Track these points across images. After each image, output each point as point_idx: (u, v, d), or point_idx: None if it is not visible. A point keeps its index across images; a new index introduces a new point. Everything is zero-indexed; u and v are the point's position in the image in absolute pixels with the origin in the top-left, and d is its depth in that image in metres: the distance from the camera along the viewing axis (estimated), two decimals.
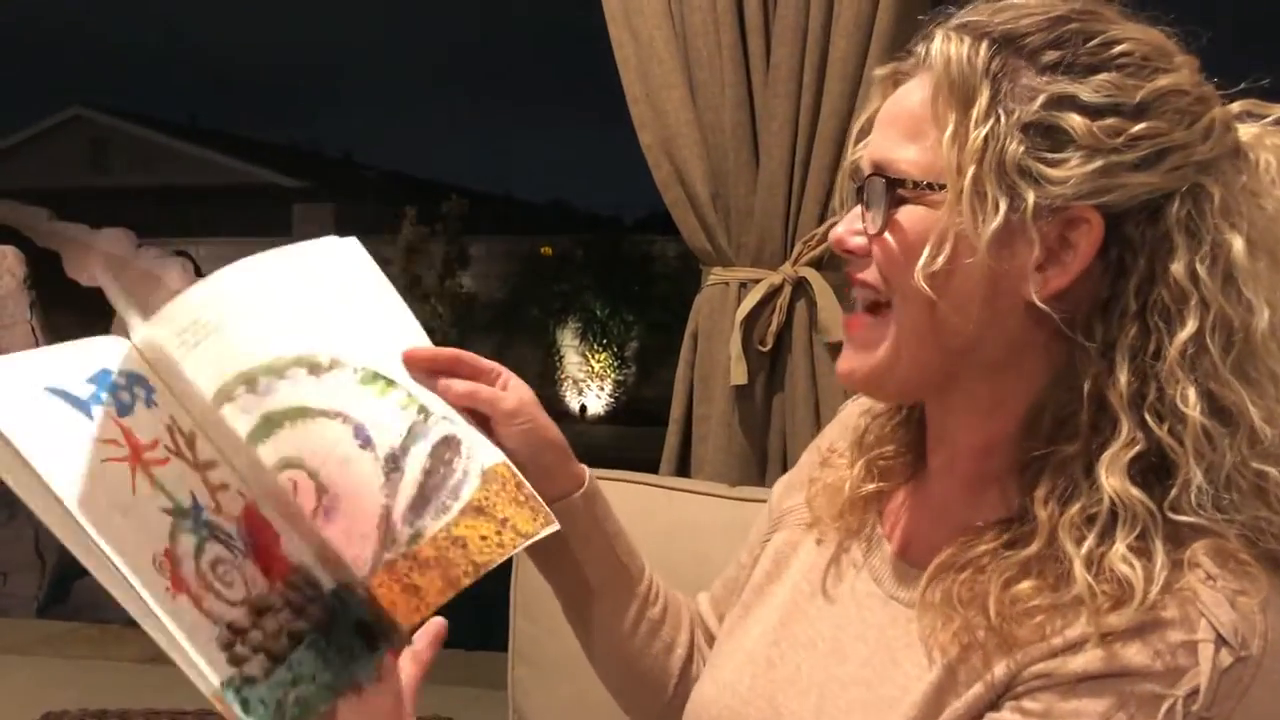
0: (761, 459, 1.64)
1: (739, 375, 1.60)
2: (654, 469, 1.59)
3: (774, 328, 1.61)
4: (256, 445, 0.72)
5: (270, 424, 0.72)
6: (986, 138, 0.63)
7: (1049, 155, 0.63)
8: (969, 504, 0.71)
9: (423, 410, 0.77)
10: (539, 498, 0.77)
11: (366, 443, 0.74)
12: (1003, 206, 0.63)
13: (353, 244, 0.82)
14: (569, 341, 13.04)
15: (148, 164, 19.61)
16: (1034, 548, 0.64)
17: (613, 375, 12.98)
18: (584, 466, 0.87)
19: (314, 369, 0.75)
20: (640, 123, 1.63)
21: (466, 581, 0.72)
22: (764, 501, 1.36)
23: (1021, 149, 0.63)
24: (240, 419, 0.72)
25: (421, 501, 0.73)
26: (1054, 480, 0.65)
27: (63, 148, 20.20)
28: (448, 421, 0.77)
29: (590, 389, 13.02)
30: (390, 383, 0.77)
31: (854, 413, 0.86)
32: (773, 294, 1.61)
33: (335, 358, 0.75)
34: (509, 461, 0.78)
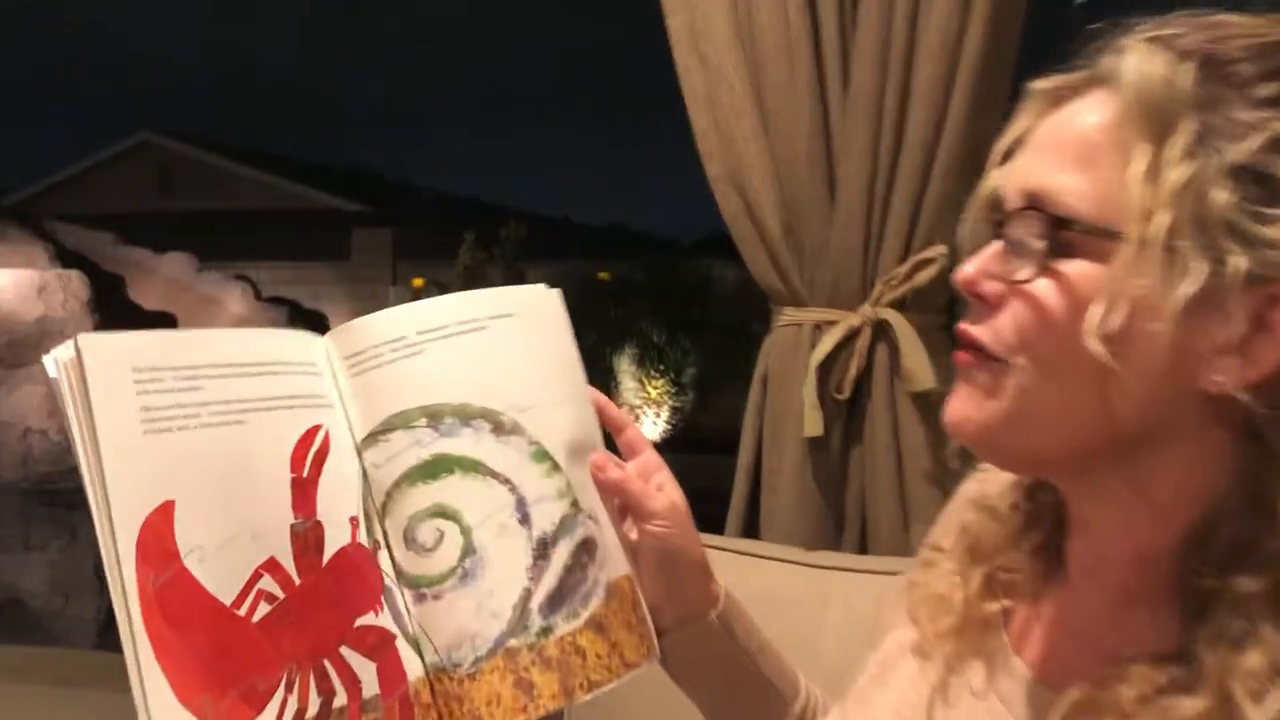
0: (838, 519, 1.51)
1: (813, 426, 1.47)
2: (712, 497, 1.47)
3: (852, 374, 1.48)
4: (416, 483, 0.70)
5: (440, 466, 0.71)
6: (1189, 180, 0.51)
7: (1264, 210, 0.50)
8: (1115, 625, 0.59)
9: (575, 505, 0.74)
10: (649, 624, 0.76)
11: (525, 519, 0.72)
12: (1202, 268, 0.50)
13: (556, 299, 0.80)
14: (626, 367, 12.96)
15: (211, 188, 19.96)
16: (1198, 702, 0.51)
17: (670, 402, 12.87)
18: (721, 585, 0.81)
19: (498, 428, 0.73)
20: (708, 154, 1.53)
21: (581, 696, 0.70)
22: (843, 570, 1.22)
23: (1231, 199, 0.51)
24: (409, 451, 0.70)
25: (559, 598, 0.71)
26: (1227, 619, 0.52)
27: (131, 173, 20.62)
28: (592, 522, 0.75)
29: (647, 416, 12.92)
30: (556, 466, 0.74)
31: (962, 503, 0.72)
32: (850, 337, 1.48)
33: (518, 423, 0.73)
34: (633, 577, 0.77)
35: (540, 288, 0.79)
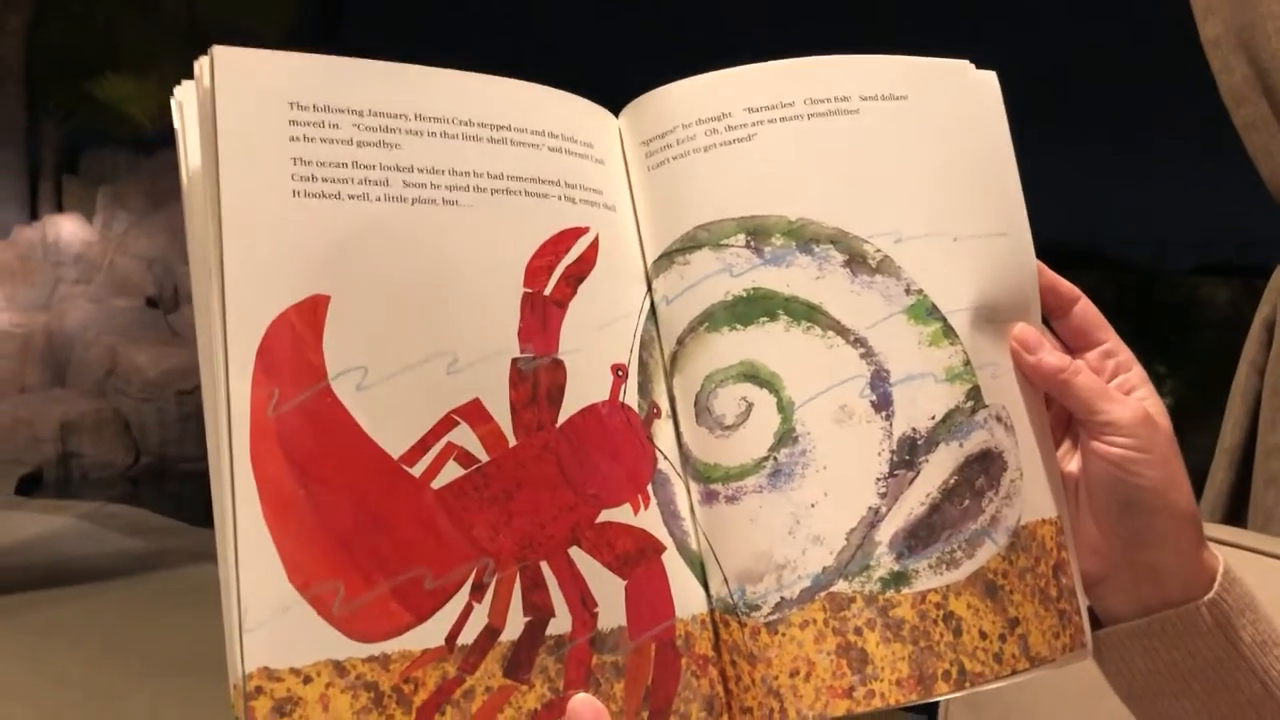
0: None
1: None
2: None
3: None
4: (719, 328, 0.47)
5: (756, 306, 0.47)
6: None
7: None
8: None
9: (974, 396, 0.48)
10: (1081, 601, 0.50)
11: (884, 403, 0.47)
12: None
13: (987, 85, 0.53)
14: None
15: None
16: None
17: None
18: (1219, 558, 0.52)
19: (857, 261, 0.48)
20: (1204, 7, 1.13)
21: (943, 690, 0.45)
22: None
23: None
24: (714, 280, 0.48)
25: (926, 533, 0.46)
26: None
27: None
28: (1001, 427, 0.49)
29: None
30: (948, 332, 0.48)
31: None
32: None
33: (890, 258, 0.48)
34: (1065, 524, 0.50)
35: (961, 64, 0.52)
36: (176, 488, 7.91)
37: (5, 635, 3.54)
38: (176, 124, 0.43)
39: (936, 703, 0.91)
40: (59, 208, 12.21)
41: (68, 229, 10.73)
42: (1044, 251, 0.52)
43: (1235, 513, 1.18)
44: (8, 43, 11.77)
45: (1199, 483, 1.27)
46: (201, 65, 0.41)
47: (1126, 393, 0.51)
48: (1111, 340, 0.52)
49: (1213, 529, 0.95)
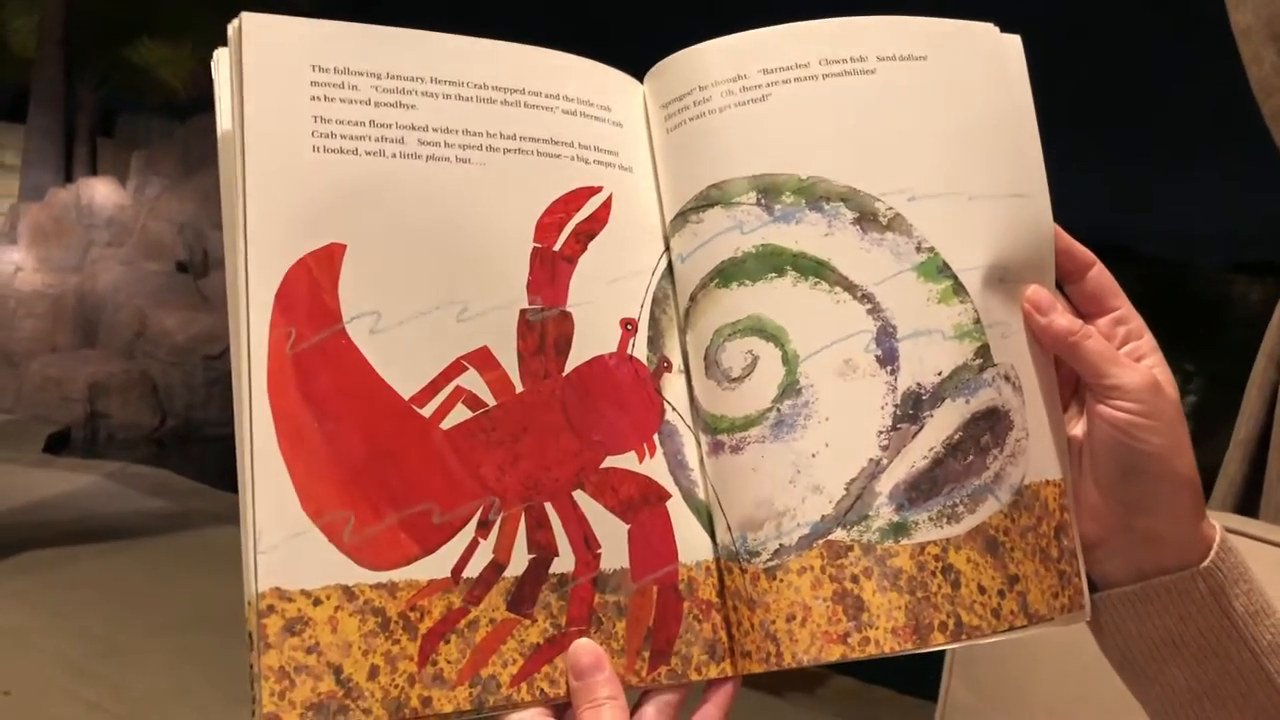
0: None
1: None
2: None
3: None
4: (729, 283, 0.49)
5: (766, 263, 0.48)
6: None
7: None
8: None
9: (983, 354, 0.49)
10: (1080, 563, 0.51)
11: (889, 358, 0.48)
12: None
13: (1010, 47, 0.53)
14: None
15: None
16: None
17: None
18: (1216, 527, 0.52)
19: (867, 219, 0.49)
20: None
21: (939, 641, 0.46)
22: None
23: None
24: (725, 237, 0.49)
25: (927, 486, 0.47)
26: None
27: None
28: (1008, 386, 0.50)
29: None
30: (958, 290, 0.49)
31: None
32: None
33: (901, 216, 0.49)
34: (1067, 485, 0.51)
35: (983, 26, 0.52)
36: (200, 451, 8.00)
37: (31, 590, 3.61)
38: (215, 83, 0.45)
39: (939, 687, 0.92)
40: (93, 171, 12.33)
41: (101, 192, 10.83)
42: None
43: (1248, 504, 1.18)
44: (48, 8, 11.85)
45: (1214, 475, 1.26)
46: (232, 29, 0.44)
47: (1136, 360, 0.51)
48: (1124, 307, 0.53)
49: (1224, 518, 0.95)
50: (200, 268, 9.87)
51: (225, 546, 4.28)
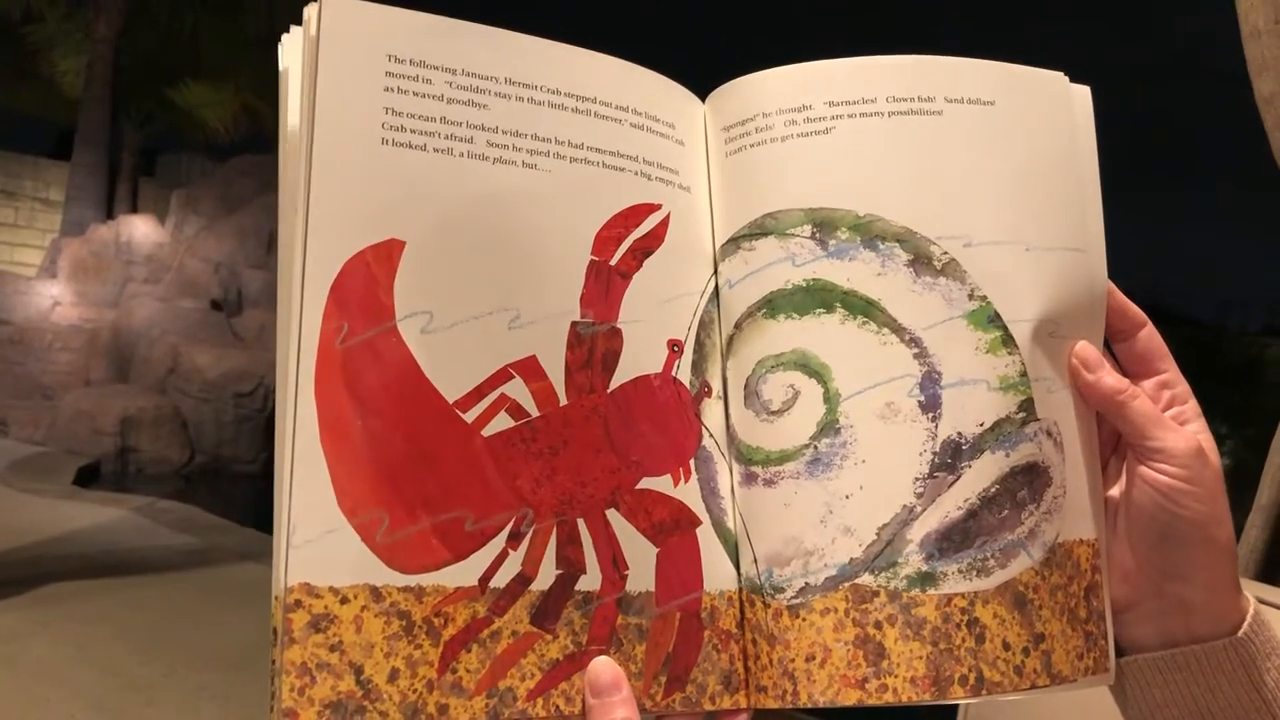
0: None
1: None
2: None
3: None
4: (776, 315, 0.48)
5: (815, 297, 0.48)
6: None
7: None
8: None
9: (1027, 406, 0.48)
10: (1108, 625, 0.50)
11: (931, 405, 0.47)
12: None
13: (1080, 99, 0.52)
14: None
15: None
16: None
17: None
18: (1250, 600, 0.51)
19: (921, 261, 0.48)
20: (1258, 64, 1.13)
21: (958, 694, 0.45)
22: None
23: None
24: (776, 268, 0.48)
25: (959, 538, 0.47)
26: None
27: None
28: (1049, 442, 0.49)
29: None
30: (1007, 341, 0.48)
31: None
32: None
33: (956, 262, 0.48)
34: (1101, 546, 0.50)
35: (1053, 75, 0.51)
36: (228, 487, 8.05)
37: (56, 622, 3.62)
38: (280, 66, 0.44)
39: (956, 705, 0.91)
40: (134, 208, 12.55)
41: (141, 229, 11.01)
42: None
43: (1270, 570, 1.16)
44: (97, 49, 12.14)
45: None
46: (310, 12, 0.43)
47: (1181, 424, 0.50)
48: (1171, 371, 0.52)
49: (1245, 585, 0.94)
50: (234, 306, 9.99)
51: (248, 584, 4.28)
